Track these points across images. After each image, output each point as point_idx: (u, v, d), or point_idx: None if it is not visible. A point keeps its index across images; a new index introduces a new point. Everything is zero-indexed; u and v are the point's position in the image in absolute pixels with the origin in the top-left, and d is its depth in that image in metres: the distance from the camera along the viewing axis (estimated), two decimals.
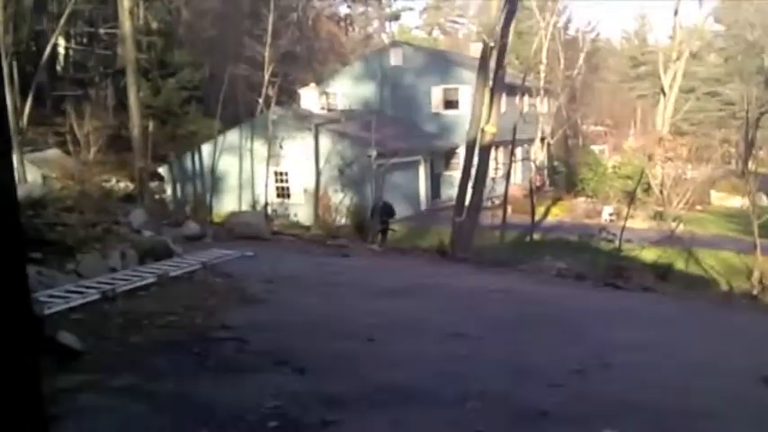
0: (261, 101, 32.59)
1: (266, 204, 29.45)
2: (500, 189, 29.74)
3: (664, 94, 48.51)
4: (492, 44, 20.38)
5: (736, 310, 14.36)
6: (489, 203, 28.89)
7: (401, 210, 30.26)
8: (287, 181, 31.81)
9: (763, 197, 38.68)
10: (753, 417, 6.19)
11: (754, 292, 18.87)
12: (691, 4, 77.41)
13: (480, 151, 21.04)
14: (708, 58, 68.23)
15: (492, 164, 26.89)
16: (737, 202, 37.72)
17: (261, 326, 7.89)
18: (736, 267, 23.39)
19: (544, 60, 47.34)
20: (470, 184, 20.94)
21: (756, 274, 20.06)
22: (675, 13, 48.75)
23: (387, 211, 23.71)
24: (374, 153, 28.17)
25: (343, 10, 74.27)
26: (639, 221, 31.09)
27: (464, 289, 12.24)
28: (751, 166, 38.28)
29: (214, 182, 32.13)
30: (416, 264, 16.18)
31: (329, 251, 16.11)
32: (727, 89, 61.12)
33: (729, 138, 58.87)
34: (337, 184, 29.49)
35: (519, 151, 38.96)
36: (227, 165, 32.51)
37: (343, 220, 27.87)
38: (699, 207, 37.61)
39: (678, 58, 48.38)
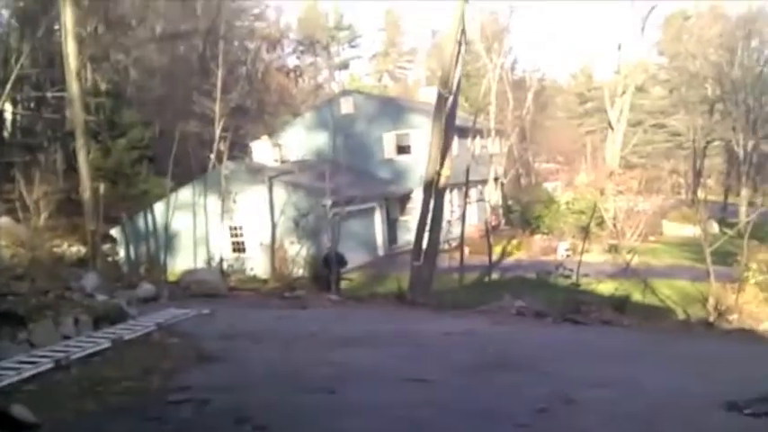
0: (212, 156, 32.54)
1: (221, 260, 29.24)
2: (456, 231, 29.90)
3: (612, 128, 49.46)
4: (448, 95, 20.67)
5: (694, 339, 14.61)
6: (446, 246, 29.04)
7: (358, 257, 30.25)
8: (242, 235, 31.65)
9: (714, 225, 39.45)
10: None
11: (711, 318, 19.17)
12: (634, 39, 79.09)
13: (435, 195, 21.20)
14: (653, 91, 69.82)
15: (447, 206, 27.10)
16: (689, 230, 38.33)
17: (220, 384, 7.84)
18: (692, 295, 23.72)
19: (493, 101, 48.19)
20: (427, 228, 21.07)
21: (711, 301, 20.35)
22: (619, 48, 50.03)
23: (338, 261, 23.66)
24: (329, 202, 28.19)
25: (293, 61, 74.95)
26: (595, 255, 31.44)
27: (424, 334, 12.28)
28: (700, 194, 39.15)
29: (168, 240, 31.81)
30: (375, 311, 16.21)
31: (287, 304, 16.07)
32: (673, 120, 62.54)
33: (678, 168, 60.17)
34: (293, 236, 29.39)
35: (473, 192, 39.30)
36: (181, 222, 32.26)
37: (300, 272, 27.77)
38: (652, 238, 38.18)
39: (624, 93, 49.43)
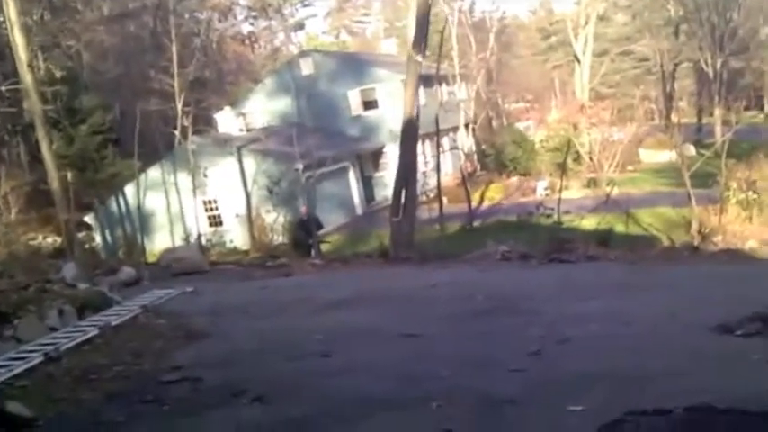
0: (177, 132, 32.32)
1: (199, 236, 29.22)
2: (432, 182, 30.04)
3: (578, 61, 49.53)
4: (419, 59, 20.46)
5: (681, 264, 14.87)
6: (424, 197, 29.18)
7: (336, 218, 30.38)
8: (217, 209, 31.61)
9: (691, 147, 39.83)
10: (712, 367, 6.45)
11: (695, 242, 19.48)
12: None
13: (407, 145, 21.10)
14: (615, 18, 69.72)
15: (421, 157, 27.10)
16: (666, 156, 38.69)
17: (212, 361, 7.91)
18: (675, 221, 24.04)
19: (455, 46, 47.98)
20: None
21: (695, 225, 20.66)
22: None
23: (314, 224, 23.68)
24: (301, 166, 28.20)
25: (247, 28, 73.87)
26: (575, 191, 31.75)
27: (411, 288, 12.40)
28: (673, 118, 39.45)
29: (143, 222, 31.75)
30: (360, 271, 16.31)
31: (270, 273, 16.11)
32: (639, 46, 62.51)
33: (649, 94, 60.34)
34: (269, 204, 29.40)
35: (446, 141, 39.36)
36: (154, 202, 32.16)
37: (280, 239, 27.84)
38: (630, 167, 38.49)
39: (586, 23, 49.43)
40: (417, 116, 20.39)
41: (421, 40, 20.60)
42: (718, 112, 49.58)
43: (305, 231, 22.88)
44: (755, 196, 22.70)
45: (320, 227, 23.80)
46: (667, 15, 60.18)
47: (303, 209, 24.36)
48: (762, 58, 61.53)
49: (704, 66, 54.10)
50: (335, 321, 9.74)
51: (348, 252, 21.82)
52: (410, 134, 20.19)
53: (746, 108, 54.83)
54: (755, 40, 60.47)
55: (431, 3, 21.61)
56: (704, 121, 54.24)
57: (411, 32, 21.73)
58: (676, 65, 58.84)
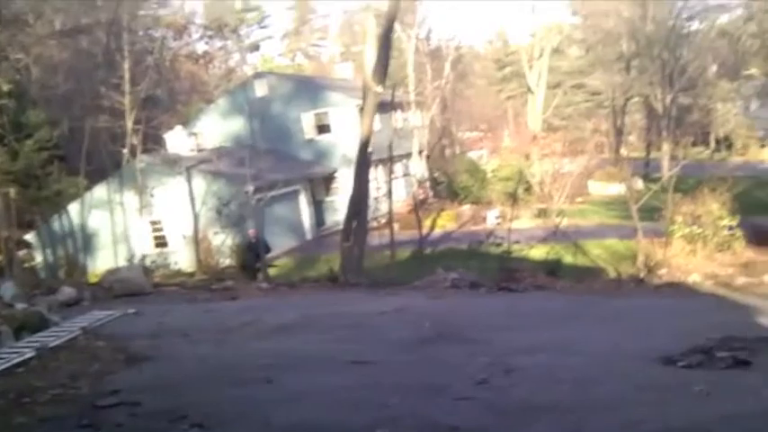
0: (126, 150, 31.92)
1: (143, 257, 28.78)
2: (384, 208, 30.07)
3: (531, 92, 50.20)
4: (379, 90, 20.53)
5: (627, 296, 15.08)
6: (375, 223, 29.18)
7: (285, 242, 30.19)
8: (163, 229, 31.21)
9: (639, 181, 40.49)
10: (655, 398, 6.52)
11: (641, 275, 19.75)
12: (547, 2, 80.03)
13: (360, 172, 21.17)
14: (569, 52, 70.92)
15: (373, 183, 27.14)
16: (615, 188, 39.27)
17: (151, 385, 7.76)
18: (622, 253, 24.37)
19: (411, 73, 48.30)
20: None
21: (641, 258, 20.92)
22: (533, 10, 50.70)
23: (262, 247, 23.47)
24: (251, 188, 28.00)
25: (201, 47, 73.56)
26: (525, 221, 31.97)
27: (359, 314, 12.35)
28: (623, 152, 40.14)
29: (86, 241, 31.19)
30: (308, 296, 16.21)
31: (216, 296, 15.95)
32: (592, 80, 63.73)
33: (600, 127, 61.42)
34: (217, 226, 29.14)
35: (399, 167, 39.49)
36: (99, 221, 31.62)
37: (226, 261, 27.57)
38: (579, 199, 38.95)
39: (541, 55, 50.17)
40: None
41: (381, 71, 20.68)
42: (666, 146, 50.62)
43: (253, 254, 22.68)
44: (700, 231, 23.08)
45: (268, 250, 23.59)
46: (620, 50, 61.41)
47: (252, 231, 24.15)
48: (709, 95, 63.10)
49: (654, 101, 55.38)
50: (282, 347, 9.64)
51: (297, 276, 21.72)
52: (364, 162, 20.30)
53: (694, 144, 55.87)
54: (704, 78, 62.05)
55: (392, 36, 21.75)
56: (653, 155, 55.28)
57: (368, 58, 21.77)
58: (627, 99, 60.03)
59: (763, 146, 65.33)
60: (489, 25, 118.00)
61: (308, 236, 34.97)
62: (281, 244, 28.46)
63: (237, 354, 9.39)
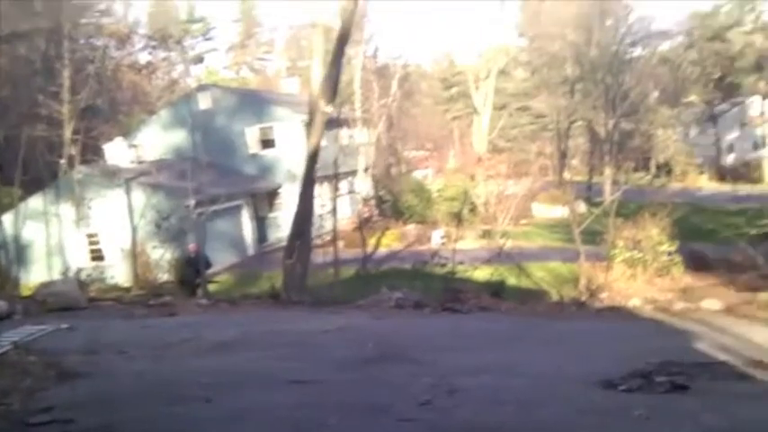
0: (63, 161, 31.29)
1: (79, 270, 28.16)
2: (329, 225, 29.95)
3: (478, 113, 50.73)
4: (328, 109, 20.49)
5: (569, 319, 15.22)
6: (319, 241, 29.02)
7: (226, 257, 29.86)
8: (100, 242, 30.63)
9: (582, 204, 41.10)
10: (595, 422, 6.58)
11: (583, 298, 19.97)
12: (493, 22, 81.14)
13: (306, 190, 21.10)
14: (515, 74, 71.87)
15: (318, 200, 27.02)
16: (558, 211, 39.82)
17: (85, 402, 7.53)
18: (564, 276, 24.64)
19: (358, 91, 48.40)
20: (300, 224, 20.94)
21: (583, 281, 21.16)
22: (480, 32, 51.37)
23: (203, 262, 23.12)
24: (193, 202, 27.67)
25: (144, 57, 72.76)
26: (470, 242, 32.13)
27: (301, 332, 12.23)
28: (567, 175, 40.75)
29: (19, 252, 30.47)
30: (249, 313, 16.02)
31: (153, 311, 15.64)
32: (537, 102, 64.64)
33: (544, 150, 62.30)
34: (156, 240, 28.71)
35: (344, 184, 39.44)
36: (33, 233, 30.93)
37: (165, 277, 27.13)
38: (523, 221, 39.39)
39: (487, 77, 50.78)
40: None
41: (330, 91, 20.63)
42: (608, 171, 51.61)
43: (192, 269, 22.31)
44: (640, 255, 23.44)
45: (209, 265, 23.26)
46: (565, 74, 62.51)
47: (192, 246, 23.79)
48: (650, 121, 64.57)
49: (597, 125, 56.44)
50: (221, 364, 9.47)
51: (238, 293, 21.45)
52: (310, 179, 20.21)
53: (635, 169, 57.19)
54: (645, 104, 63.55)
55: (344, 59, 21.77)
56: (595, 179, 56.27)
57: (315, 75, 21.71)
58: (571, 123, 61.05)
59: (701, 172, 67.18)
60: (437, 44, 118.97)
61: (250, 252, 34.70)
62: (221, 259, 28.14)
63: (176, 371, 9.20)
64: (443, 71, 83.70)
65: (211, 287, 22.73)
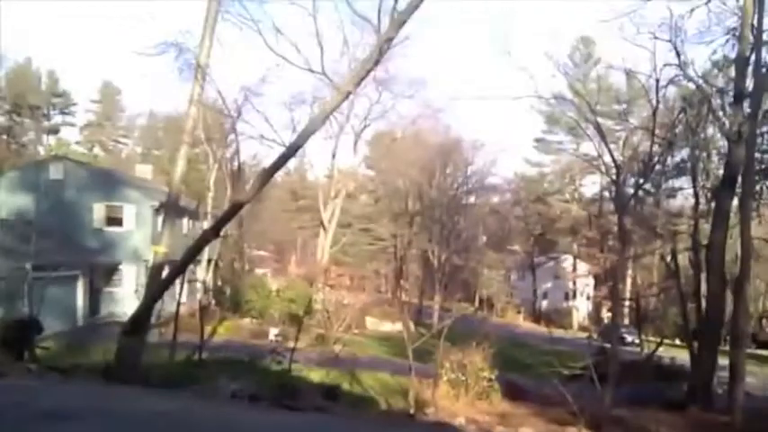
0: None
1: None
2: (168, 307, 28.73)
3: (323, 227, 50.96)
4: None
5: (400, 429, 14.93)
6: (154, 320, 27.71)
7: (55, 324, 27.94)
8: None
9: (411, 324, 41.68)
10: None
11: (411, 410, 19.86)
12: (346, 150, 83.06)
13: (152, 270, 20.42)
14: (361, 198, 73.38)
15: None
16: (388, 326, 40.22)
17: None
18: (392, 387, 24.55)
19: (212, 187, 48.11)
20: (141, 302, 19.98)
21: (412, 394, 21.11)
22: (333, 156, 52.32)
23: (32, 327, 21.25)
24: (29, 266, 25.83)
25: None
26: (303, 343, 31.60)
27: (134, 414, 11.09)
28: (403, 296, 41.44)
29: None
30: (77, 385, 14.65)
31: None
32: (378, 227, 66.08)
33: (380, 269, 63.47)
34: None
35: (186, 272, 38.33)
36: None
37: None
38: (356, 331, 39.33)
39: (336, 196, 51.45)
40: None
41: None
42: (438, 297, 52.93)
43: (20, 332, 20.37)
44: (464, 378, 23.84)
45: (40, 330, 21.42)
46: (406, 207, 64.35)
47: (24, 310, 21.95)
48: (478, 260, 67.52)
49: (431, 256, 58.11)
50: None
51: (66, 362, 19.79)
52: (160, 268, 19.70)
53: (460, 300, 59.05)
54: (475, 245, 66.70)
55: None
56: (425, 302, 57.47)
57: (177, 175, 21.23)
58: (407, 250, 62.62)
59: (518, 312, 70.30)
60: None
61: (80, 322, 32.96)
62: (50, 325, 26.16)
63: None
64: (294, 183, 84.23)
65: (39, 352, 20.96)
